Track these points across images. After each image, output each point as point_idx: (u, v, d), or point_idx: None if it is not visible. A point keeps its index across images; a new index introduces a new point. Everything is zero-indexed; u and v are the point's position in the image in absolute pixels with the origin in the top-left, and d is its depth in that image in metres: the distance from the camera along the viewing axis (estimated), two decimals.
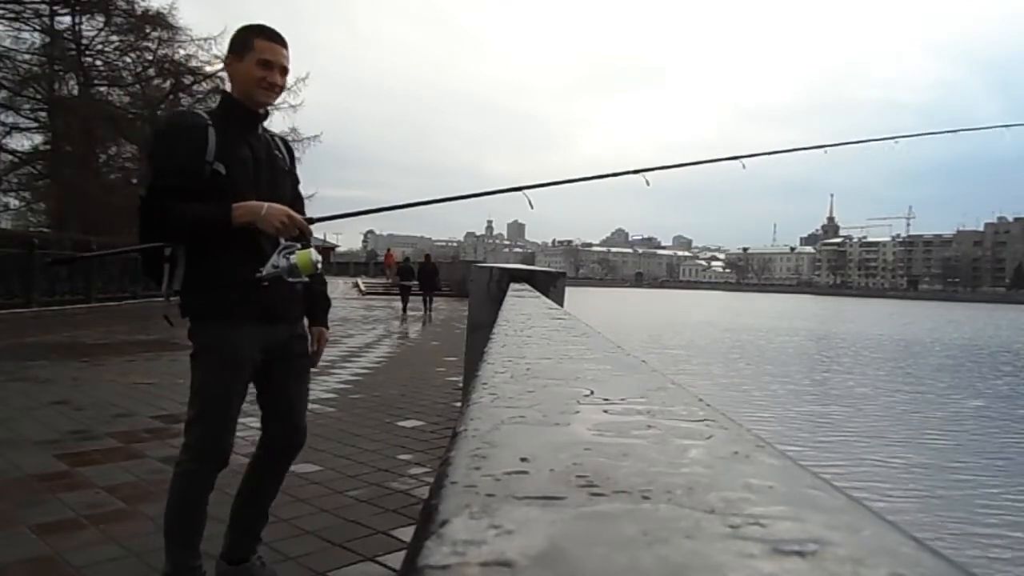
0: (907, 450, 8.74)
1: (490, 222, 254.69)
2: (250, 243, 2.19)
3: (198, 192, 2.11)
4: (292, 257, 2.21)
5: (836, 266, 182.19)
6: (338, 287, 30.52)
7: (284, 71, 2.27)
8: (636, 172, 3.09)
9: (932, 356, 21.75)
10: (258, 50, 2.20)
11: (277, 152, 2.39)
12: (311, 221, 2.33)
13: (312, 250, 2.27)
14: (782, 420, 10.02)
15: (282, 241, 2.21)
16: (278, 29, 2.28)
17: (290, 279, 2.24)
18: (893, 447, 8.86)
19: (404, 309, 17.90)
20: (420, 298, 17.85)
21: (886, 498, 6.52)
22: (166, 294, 2.26)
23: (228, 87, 2.39)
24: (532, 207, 2.87)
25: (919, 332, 33.17)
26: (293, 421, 2.42)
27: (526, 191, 2.89)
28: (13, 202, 20.04)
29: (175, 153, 2.15)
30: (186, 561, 2.19)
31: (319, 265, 2.28)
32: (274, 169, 2.34)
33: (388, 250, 52.95)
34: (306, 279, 2.28)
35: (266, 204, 2.17)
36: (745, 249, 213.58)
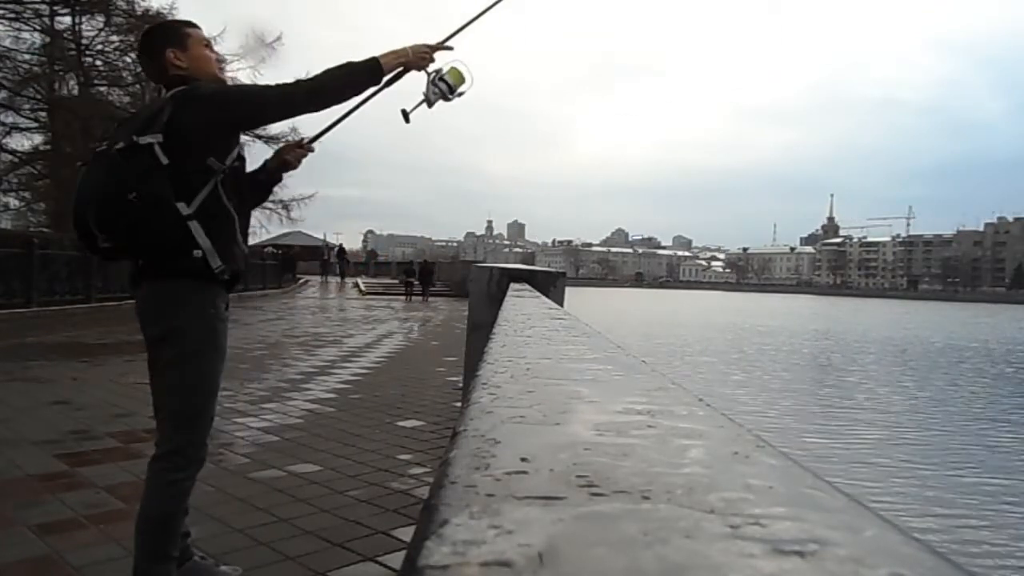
0: (912, 451, 8.73)
1: (490, 222, 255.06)
2: (244, 220, 2.24)
3: None
4: (448, 77, 2.33)
5: (836, 266, 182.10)
6: (345, 287, 30.66)
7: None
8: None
9: (952, 359, 21.23)
10: (196, 37, 2.29)
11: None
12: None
13: (459, 61, 2.38)
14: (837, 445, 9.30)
15: (428, 71, 2.35)
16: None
17: (449, 97, 2.38)
18: (900, 448, 8.86)
19: (409, 298, 24.99)
20: (420, 290, 25.85)
21: (886, 498, 6.52)
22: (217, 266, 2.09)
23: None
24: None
25: (937, 334, 32.69)
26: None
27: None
28: (13, 202, 20.01)
29: None
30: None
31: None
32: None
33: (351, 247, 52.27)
34: (461, 92, 2.39)
35: (410, 45, 2.30)
36: (745, 249, 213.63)
